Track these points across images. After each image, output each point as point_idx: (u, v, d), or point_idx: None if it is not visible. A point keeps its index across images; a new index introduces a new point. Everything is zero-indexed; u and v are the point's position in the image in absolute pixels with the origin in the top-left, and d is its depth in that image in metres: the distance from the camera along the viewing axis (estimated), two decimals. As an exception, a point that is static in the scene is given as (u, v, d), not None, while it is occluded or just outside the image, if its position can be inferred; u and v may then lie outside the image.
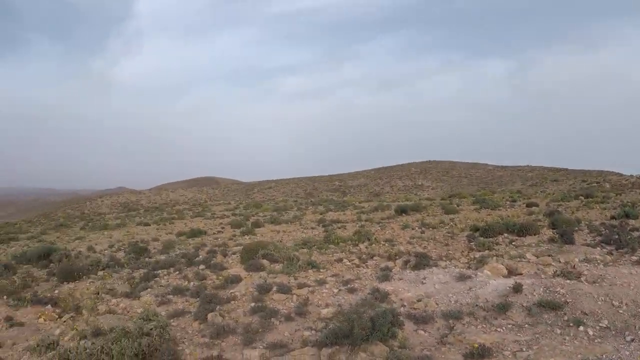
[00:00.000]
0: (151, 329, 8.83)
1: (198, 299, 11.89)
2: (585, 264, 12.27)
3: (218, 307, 10.93)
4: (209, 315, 10.27)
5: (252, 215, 39.48)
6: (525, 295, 9.67)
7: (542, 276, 11.10)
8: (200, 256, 18.25)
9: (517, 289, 9.80)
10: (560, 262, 12.56)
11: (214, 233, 28.10)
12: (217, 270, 15.15)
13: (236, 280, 13.35)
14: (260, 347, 8.74)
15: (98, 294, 13.74)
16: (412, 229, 21.99)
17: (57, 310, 12.47)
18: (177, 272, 15.60)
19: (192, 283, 13.90)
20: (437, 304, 10.08)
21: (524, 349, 7.61)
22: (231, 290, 12.48)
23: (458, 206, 32.82)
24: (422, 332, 8.90)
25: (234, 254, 18.12)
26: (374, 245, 18.16)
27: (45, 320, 11.77)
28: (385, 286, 11.61)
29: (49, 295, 14.01)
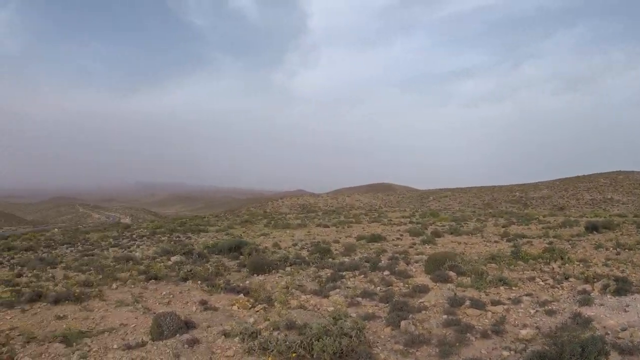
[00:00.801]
0: (350, 330, 8.96)
1: (388, 304, 11.93)
2: None
3: (410, 315, 10.84)
4: (402, 323, 10.24)
5: (429, 224, 39.04)
6: None
7: None
8: (383, 262, 18.34)
9: None
10: None
11: (392, 240, 28.25)
12: (402, 277, 15.15)
13: (424, 289, 13.23)
14: (458, 361, 8.47)
15: (288, 288, 14.43)
16: (606, 249, 20.22)
17: (251, 300, 13.24)
18: (363, 276, 15.86)
19: (378, 288, 13.99)
20: (642, 334, 8.99)
21: None
22: (420, 300, 12.40)
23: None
24: (631, 365, 7.93)
25: (416, 262, 18.00)
26: (567, 265, 16.85)
27: (238, 307, 12.65)
28: (586, 311, 10.86)
29: (240, 284, 15.15)
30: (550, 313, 10.91)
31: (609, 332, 9.58)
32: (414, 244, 25.46)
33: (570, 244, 22.32)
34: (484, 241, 25.67)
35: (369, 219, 47.27)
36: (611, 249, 20.23)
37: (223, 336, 10.06)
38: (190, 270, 16.77)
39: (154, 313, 11.71)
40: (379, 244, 25.54)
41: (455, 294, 12.53)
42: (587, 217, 38.42)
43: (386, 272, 16.02)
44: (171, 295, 14.16)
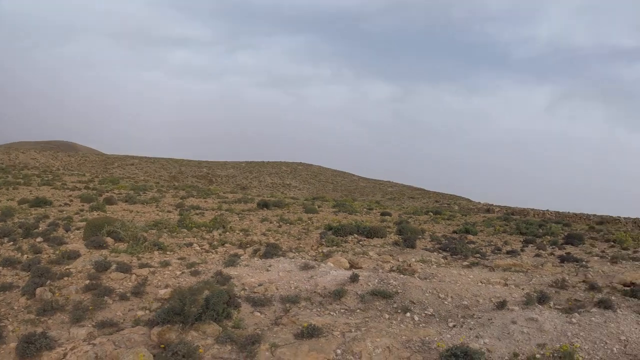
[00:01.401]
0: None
1: (29, 272, 11.02)
2: (421, 264, 13.22)
3: (49, 282, 10.20)
4: (38, 291, 9.52)
5: (106, 191, 37.45)
6: (361, 285, 10.16)
7: (380, 270, 11.75)
8: (40, 228, 16.96)
9: (354, 279, 10.26)
10: (398, 260, 13.35)
11: (60, 205, 26.33)
12: (55, 244, 14.16)
13: (74, 255, 12.57)
14: (89, 325, 8.32)
15: None
16: (270, 222, 22.34)
17: None
18: (11, 243, 14.38)
19: (25, 256, 12.89)
20: (277, 289, 10.24)
21: (353, 330, 7.97)
22: (66, 266, 11.73)
23: (319, 207, 33.78)
24: (259, 314, 8.98)
25: (77, 229, 17.07)
26: (228, 233, 18.11)
27: None
28: (230, 271, 11.59)
29: None
30: (195, 274, 11.35)
31: (246, 287, 10.42)
32: (82, 210, 24.06)
33: (239, 217, 23.98)
34: (158, 210, 25.72)
35: (40, 181, 42.96)
36: (275, 222, 22.41)
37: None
38: None
39: None
40: (43, 209, 23.49)
41: (106, 258, 12.22)
42: (264, 197, 41.85)
43: (39, 239, 14.81)
44: None
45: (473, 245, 18.15)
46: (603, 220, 38.01)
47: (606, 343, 7.93)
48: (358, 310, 9.08)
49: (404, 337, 7.73)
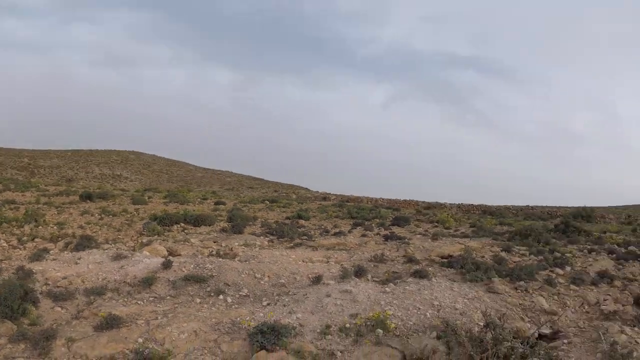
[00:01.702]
0: None
1: None
2: (243, 247, 13.15)
3: None
4: None
5: None
6: (174, 271, 9.78)
7: (199, 256, 11.43)
8: None
9: (166, 265, 9.86)
10: (222, 246, 13.15)
11: None
12: None
13: None
14: None
15: None
16: (92, 215, 20.88)
17: None
18: None
19: None
20: (83, 282, 9.47)
21: (160, 317, 7.59)
22: None
23: (149, 199, 32.45)
24: (59, 308, 8.23)
25: None
26: (40, 227, 16.61)
27: None
28: (34, 266, 10.58)
29: None
30: (-6, 270, 10.22)
31: (50, 282, 9.53)
32: None
33: (58, 210, 22.15)
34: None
35: None
36: (97, 214, 20.99)
37: None
38: None
39: None
40: None
41: None
42: (90, 189, 39.09)
43: None
44: None
45: (303, 229, 18.53)
46: (430, 206, 41.36)
47: (419, 309, 8.33)
48: (168, 297, 8.69)
49: (213, 320, 7.53)
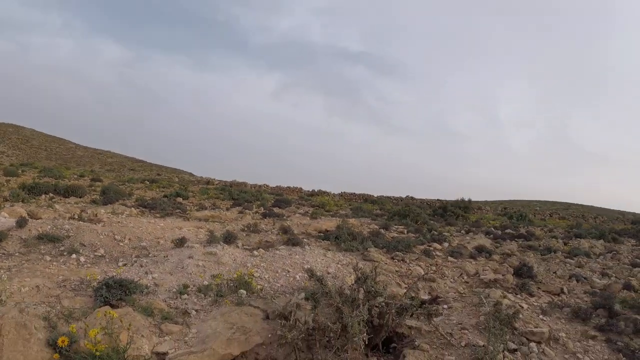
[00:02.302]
0: None
1: None
2: (110, 214, 12.80)
3: None
4: None
5: None
6: (29, 230, 9.29)
7: (59, 219, 10.99)
8: None
9: (21, 224, 9.38)
10: (87, 213, 12.74)
11: None
12: None
13: None
14: None
15: None
16: None
17: None
18: None
19: None
20: None
21: (2, 272, 7.24)
22: None
23: (23, 172, 30.58)
24: None
25: None
26: None
27: None
28: None
29: None
30: None
31: None
32: None
33: None
34: None
35: None
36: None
37: None
38: None
39: None
40: None
41: None
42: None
43: None
44: None
45: (179, 205, 18.27)
46: (314, 193, 42.23)
47: (289, 272, 8.33)
48: (17, 254, 8.22)
49: (60, 277, 7.23)
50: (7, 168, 30.90)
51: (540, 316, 7.48)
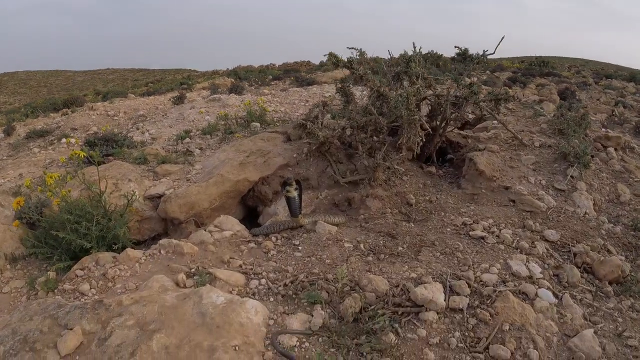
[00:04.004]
0: None
1: None
2: (107, 104, 12.06)
3: None
4: None
5: None
6: (19, 135, 8.62)
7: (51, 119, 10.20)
8: None
9: (8, 132, 8.64)
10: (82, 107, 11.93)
11: None
12: None
13: None
14: None
15: None
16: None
17: None
18: None
19: None
20: None
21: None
22: None
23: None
24: None
25: None
26: None
27: None
28: None
29: None
30: None
31: None
32: None
33: None
34: None
35: None
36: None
37: None
38: None
39: None
40: None
41: None
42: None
43: None
44: None
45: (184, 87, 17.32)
46: (323, 64, 40.45)
47: (307, 101, 7.33)
48: (5, 158, 7.59)
49: (48, 161, 6.53)
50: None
51: (602, 129, 6.50)
